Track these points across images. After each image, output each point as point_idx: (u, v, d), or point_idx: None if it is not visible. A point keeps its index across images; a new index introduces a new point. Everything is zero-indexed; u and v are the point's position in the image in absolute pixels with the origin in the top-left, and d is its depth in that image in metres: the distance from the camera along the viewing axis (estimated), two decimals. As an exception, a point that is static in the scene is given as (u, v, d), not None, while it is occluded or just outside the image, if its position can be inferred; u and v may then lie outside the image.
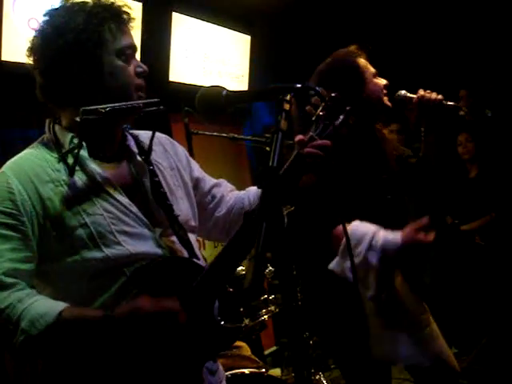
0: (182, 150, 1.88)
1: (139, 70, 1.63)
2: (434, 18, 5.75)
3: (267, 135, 3.14)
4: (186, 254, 1.66)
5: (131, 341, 1.44)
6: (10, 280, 1.43)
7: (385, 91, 2.36)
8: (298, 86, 1.33)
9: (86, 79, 1.56)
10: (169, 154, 1.81)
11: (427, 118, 2.40)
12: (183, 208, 1.73)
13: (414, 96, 2.38)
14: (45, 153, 1.59)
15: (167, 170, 1.76)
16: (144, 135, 1.77)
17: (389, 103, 2.36)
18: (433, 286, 4.89)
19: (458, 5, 5.53)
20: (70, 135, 1.59)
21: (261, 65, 5.68)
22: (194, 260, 1.64)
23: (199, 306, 1.53)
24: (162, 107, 1.59)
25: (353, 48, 2.39)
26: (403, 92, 2.41)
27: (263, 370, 3.04)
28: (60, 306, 1.43)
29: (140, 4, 4.07)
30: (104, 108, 1.52)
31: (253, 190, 1.90)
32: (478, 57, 5.87)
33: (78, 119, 1.50)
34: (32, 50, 1.60)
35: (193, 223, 1.77)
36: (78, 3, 1.59)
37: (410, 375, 2.61)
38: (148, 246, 1.57)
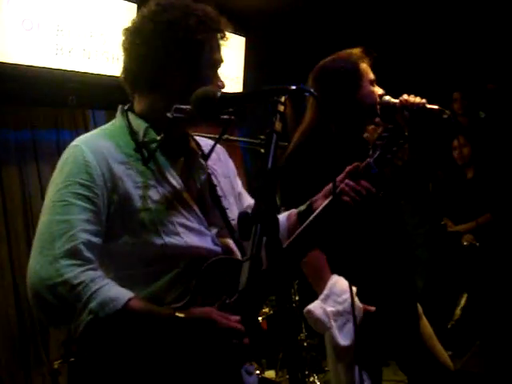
0: (231, 163, 1.96)
1: (220, 84, 1.72)
2: (427, 20, 5.77)
3: (261, 137, 3.14)
4: (240, 256, 1.72)
5: (187, 343, 1.46)
6: (88, 254, 1.45)
7: (379, 100, 2.39)
8: (293, 87, 1.33)
9: (178, 77, 1.63)
10: (222, 163, 1.89)
11: (410, 122, 2.42)
12: (235, 214, 1.79)
13: (397, 101, 2.40)
14: (116, 137, 1.63)
15: (221, 177, 1.83)
16: (200, 141, 1.86)
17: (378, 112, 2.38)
18: (426, 289, 4.91)
19: (452, 7, 5.55)
20: (145, 125, 1.64)
21: (255, 66, 5.68)
22: None
23: (247, 309, 1.57)
24: (232, 117, 1.62)
25: (357, 51, 2.41)
26: (387, 97, 2.42)
27: (257, 372, 3.03)
28: (129, 294, 1.44)
29: (135, 5, 4.07)
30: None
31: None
32: (472, 59, 5.89)
33: (169, 115, 1.58)
34: (137, 30, 1.66)
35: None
36: (189, 5, 1.68)
37: (404, 377, 2.62)
38: (204, 242, 1.63)
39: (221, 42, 1.73)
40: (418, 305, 2.46)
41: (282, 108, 1.29)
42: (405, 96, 2.39)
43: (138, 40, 1.64)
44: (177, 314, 1.46)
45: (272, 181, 1.15)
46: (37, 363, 3.75)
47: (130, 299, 1.43)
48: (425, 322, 2.44)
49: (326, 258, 2.25)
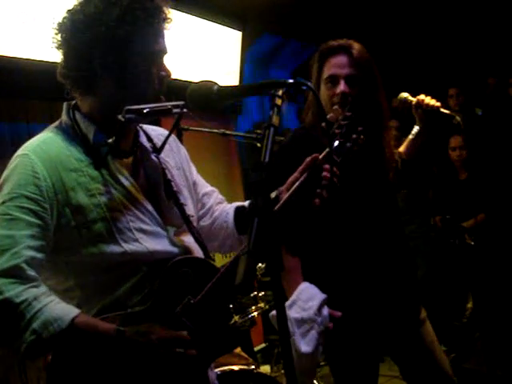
0: (184, 151, 1.89)
1: (162, 74, 1.60)
2: (423, 15, 5.76)
3: (258, 131, 3.14)
4: (201, 253, 1.69)
5: (137, 356, 1.44)
6: (31, 272, 1.39)
7: (335, 99, 2.27)
8: (291, 81, 1.32)
9: (106, 75, 1.53)
10: (174, 153, 1.82)
11: (423, 120, 2.49)
12: (191, 208, 1.75)
13: (414, 99, 2.46)
14: (66, 140, 1.56)
15: (174, 169, 1.77)
16: (152, 132, 1.78)
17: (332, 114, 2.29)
18: (425, 282, 4.91)
19: (448, 2, 5.54)
20: (93, 127, 1.57)
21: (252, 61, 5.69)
22: (210, 261, 1.67)
23: (212, 307, 1.56)
24: (185, 110, 1.56)
25: (324, 46, 2.37)
26: (405, 94, 2.50)
27: (253, 366, 3.03)
28: (73, 311, 1.41)
29: None
30: (144, 109, 1.51)
31: (236, 206, 1.90)
32: (468, 54, 5.89)
33: (121, 118, 1.48)
34: (60, 30, 1.56)
35: (196, 223, 1.79)
36: None
37: (398, 373, 2.61)
38: (163, 245, 1.59)
39: (161, 26, 1.57)
40: (422, 309, 2.44)
41: (279, 102, 1.27)
42: (422, 96, 2.45)
43: (60, 40, 1.55)
44: (121, 328, 1.43)
45: (269, 175, 1.14)
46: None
47: (74, 317, 1.39)
48: (428, 326, 2.42)
49: (301, 263, 2.25)
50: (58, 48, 1.57)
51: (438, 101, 2.45)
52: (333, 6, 5.46)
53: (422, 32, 5.90)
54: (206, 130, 3.18)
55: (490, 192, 4.93)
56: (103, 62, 1.51)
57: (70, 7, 1.57)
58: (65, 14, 1.57)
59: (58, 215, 1.47)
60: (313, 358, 2.07)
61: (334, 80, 2.28)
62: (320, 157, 1.66)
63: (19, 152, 1.53)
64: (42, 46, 3.60)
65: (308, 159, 1.67)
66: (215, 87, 1.43)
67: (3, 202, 1.43)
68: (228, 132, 3.25)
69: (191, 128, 3.12)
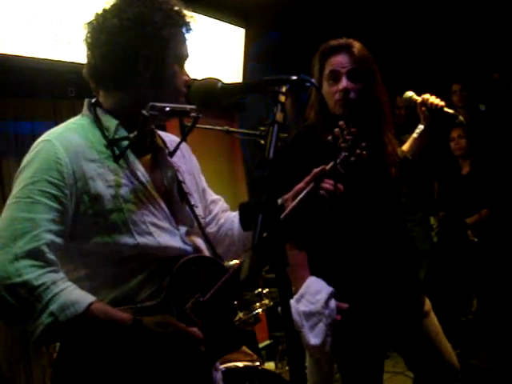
0: (195, 160, 1.94)
1: (186, 78, 1.70)
2: (426, 11, 5.75)
3: (262, 128, 3.13)
4: (209, 253, 1.73)
5: (151, 347, 1.46)
6: (50, 256, 1.41)
7: (338, 96, 2.32)
8: (294, 77, 1.32)
9: (146, 74, 1.61)
10: (186, 159, 1.87)
11: (427, 119, 2.53)
12: (200, 212, 1.80)
13: (419, 98, 2.51)
14: (87, 132, 1.60)
15: (185, 174, 1.81)
16: (165, 137, 1.83)
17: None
18: (428, 281, 4.91)
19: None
20: (115, 122, 1.62)
21: (255, 58, 5.68)
22: (219, 261, 1.71)
23: (221, 306, 1.60)
24: (200, 115, 1.64)
25: (324, 46, 2.39)
26: (410, 93, 2.56)
27: (257, 363, 3.04)
28: (90, 298, 1.43)
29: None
30: (166, 107, 1.57)
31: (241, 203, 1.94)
32: (472, 50, 5.88)
33: (145, 113, 1.54)
34: (101, 26, 1.61)
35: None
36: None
37: (403, 369, 2.62)
38: (175, 241, 1.63)
39: (186, 35, 1.70)
40: (427, 300, 2.45)
41: (283, 98, 1.28)
42: (426, 95, 2.50)
43: (102, 37, 1.60)
44: (137, 317, 1.45)
45: (273, 171, 1.14)
46: (37, 354, 3.75)
47: (91, 303, 1.41)
48: (432, 318, 2.43)
49: (308, 257, 2.28)
50: (93, 47, 1.62)
51: (442, 100, 2.49)
52: (335, 3, 5.45)
53: (426, 28, 5.90)
54: (210, 127, 3.18)
55: (492, 187, 4.91)
56: (148, 59, 1.60)
57: (109, 8, 1.63)
58: (101, 13, 1.63)
59: (77, 202, 1.50)
60: (322, 349, 2.10)
61: (335, 76, 2.32)
62: (327, 168, 1.72)
63: (43, 137, 1.56)
64: (46, 43, 3.61)
65: (316, 170, 1.71)
66: (219, 84, 1.45)
67: (25, 185, 1.46)
68: (232, 129, 3.24)
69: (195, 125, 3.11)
